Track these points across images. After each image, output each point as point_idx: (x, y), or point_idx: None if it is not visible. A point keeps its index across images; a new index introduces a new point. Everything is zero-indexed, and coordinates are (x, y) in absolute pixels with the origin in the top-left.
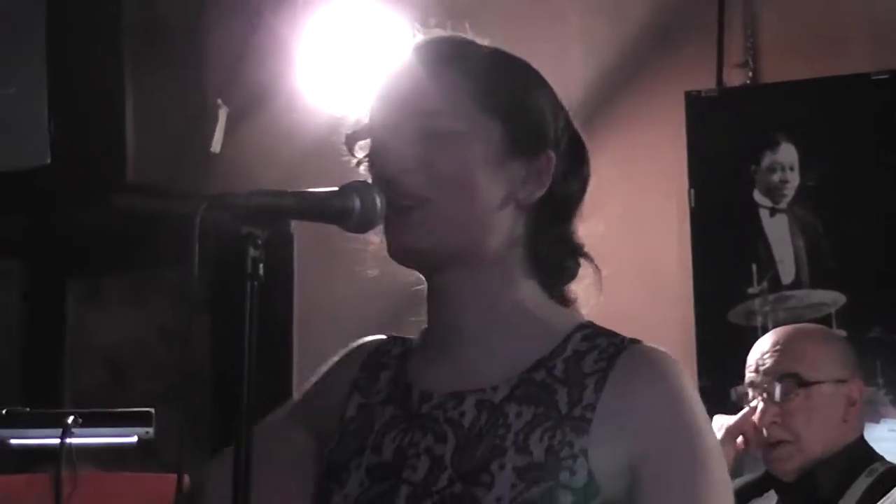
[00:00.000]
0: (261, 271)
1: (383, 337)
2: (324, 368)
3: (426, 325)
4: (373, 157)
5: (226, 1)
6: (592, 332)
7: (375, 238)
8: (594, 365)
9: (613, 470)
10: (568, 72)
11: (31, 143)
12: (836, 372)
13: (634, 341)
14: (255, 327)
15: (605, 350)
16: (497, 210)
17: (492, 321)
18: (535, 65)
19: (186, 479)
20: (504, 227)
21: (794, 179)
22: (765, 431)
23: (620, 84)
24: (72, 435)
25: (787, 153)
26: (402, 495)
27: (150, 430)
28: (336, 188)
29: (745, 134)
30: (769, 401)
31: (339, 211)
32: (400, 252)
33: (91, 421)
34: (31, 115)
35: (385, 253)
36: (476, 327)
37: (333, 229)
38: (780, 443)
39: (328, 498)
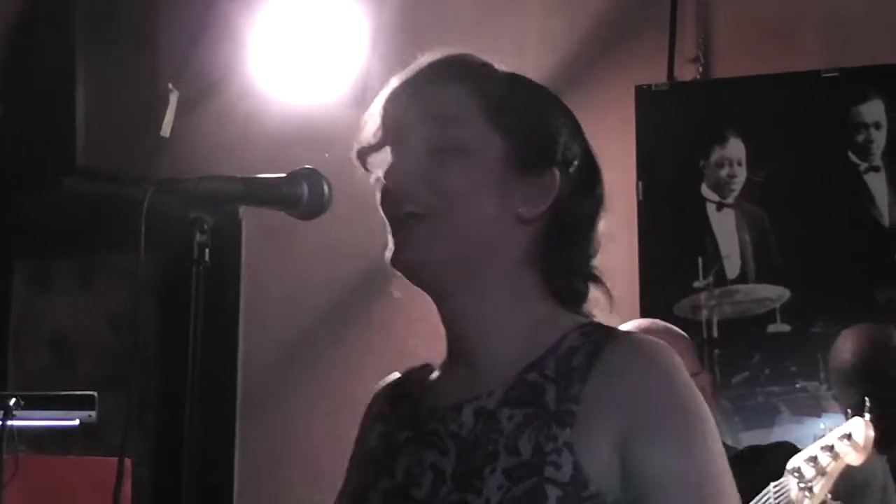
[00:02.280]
0: (207, 256)
1: (398, 374)
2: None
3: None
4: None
5: None
6: (590, 329)
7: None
8: (582, 358)
9: (602, 458)
10: (523, 64)
11: None
12: (689, 367)
13: (627, 333)
14: (202, 312)
15: (595, 342)
16: (500, 225)
17: (499, 333)
18: (492, 57)
19: (129, 463)
20: (508, 243)
21: (741, 175)
22: None
23: (573, 77)
24: (13, 418)
25: (735, 148)
26: None
27: (93, 413)
28: (284, 175)
29: (694, 128)
30: None
31: (287, 197)
32: (404, 265)
33: (33, 404)
34: None
35: (329, 240)
36: (483, 341)
37: (282, 216)
38: None
39: None
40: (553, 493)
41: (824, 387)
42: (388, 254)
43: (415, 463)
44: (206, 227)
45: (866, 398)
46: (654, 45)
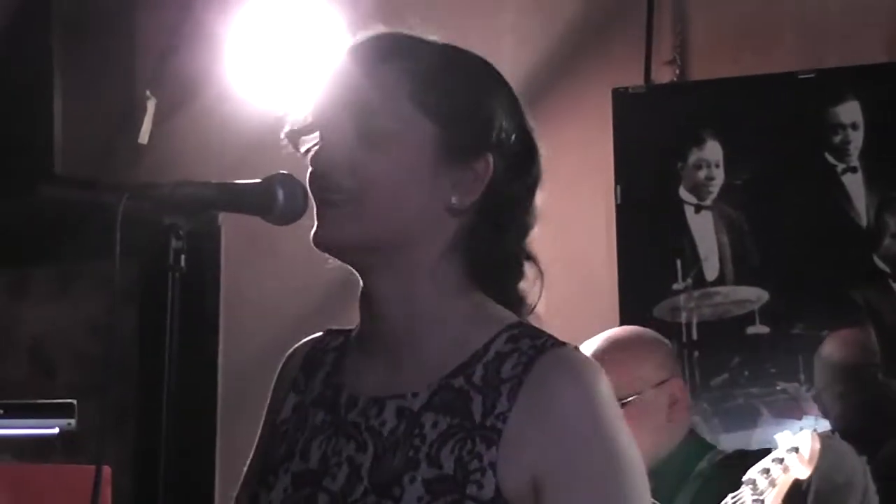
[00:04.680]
0: (183, 262)
1: (319, 334)
2: (272, 387)
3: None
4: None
5: None
6: (518, 333)
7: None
8: (511, 370)
9: (521, 484)
10: (498, 67)
11: None
12: (654, 376)
13: (558, 344)
14: (178, 319)
15: (525, 353)
16: (426, 214)
17: (423, 326)
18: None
19: (108, 471)
20: (435, 231)
21: (719, 177)
22: None
23: (549, 79)
24: None
25: (712, 150)
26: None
27: (73, 421)
28: (259, 180)
29: (671, 131)
30: None
31: (262, 202)
32: (324, 243)
33: (12, 412)
34: None
35: (308, 246)
36: (406, 331)
37: (261, 222)
38: None
39: (256, 501)
40: None
41: (804, 388)
42: (312, 235)
43: (331, 451)
44: (181, 233)
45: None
46: (631, 48)
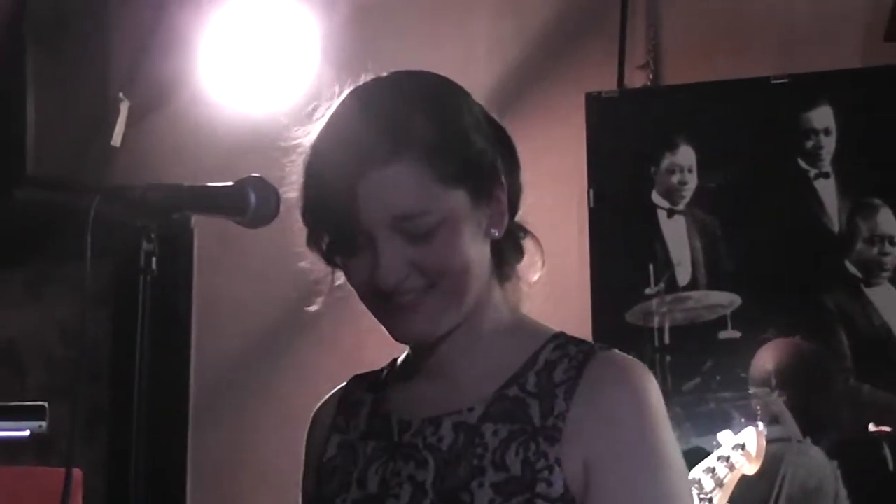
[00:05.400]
0: (154, 265)
1: (344, 384)
2: (304, 454)
3: (403, 356)
4: (364, 272)
5: None
6: (563, 342)
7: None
8: (564, 374)
9: (580, 477)
10: (472, 71)
11: None
12: None
13: (605, 348)
14: (149, 321)
15: (575, 358)
16: (480, 259)
17: (467, 349)
18: (439, 63)
19: (79, 474)
20: (485, 268)
21: (692, 181)
22: None
23: (523, 84)
24: None
25: (685, 155)
26: None
27: (44, 423)
28: (231, 183)
29: (644, 135)
30: None
31: (234, 206)
32: (410, 340)
33: None
34: None
35: (281, 249)
36: (453, 355)
37: (234, 225)
38: None
39: None
40: None
41: (775, 393)
42: (391, 328)
43: (390, 474)
44: (153, 235)
45: (757, 406)
46: (604, 53)
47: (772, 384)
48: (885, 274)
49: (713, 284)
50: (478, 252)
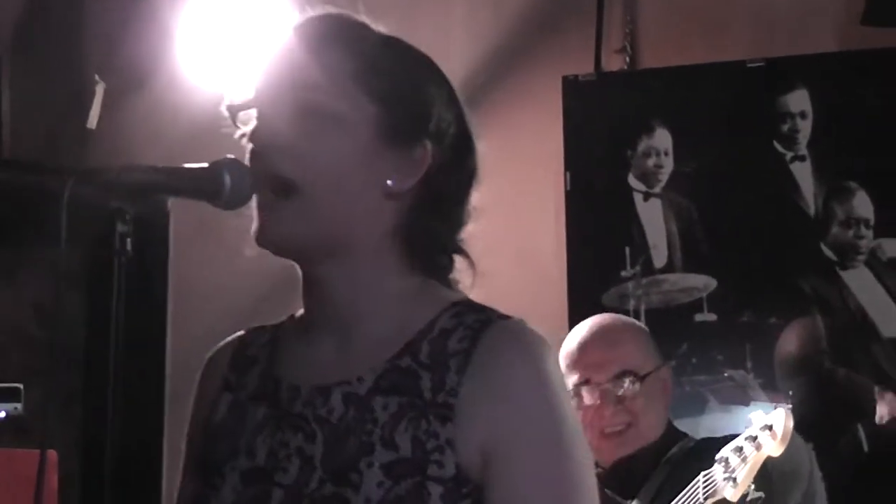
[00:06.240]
0: (129, 247)
1: (240, 333)
2: (192, 399)
3: (300, 312)
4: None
5: None
6: (463, 310)
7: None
8: (458, 344)
9: (475, 459)
10: (450, 55)
11: None
12: (656, 360)
13: (504, 317)
14: (124, 303)
15: (471, 327)
16: (368, 199)
17: (368, 305)
18: (417, 47)
19: (54, 455)
20: (375, 216)
21: (668, 164)
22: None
23: (500, 67)
24: None
25: (661, 138)
26: (275, 499)
27: (19, 405)
28: (206, 165)
29: (621, 119)
30: (609, 398)
31: (209, 187)
32: (268, 242)
33: None
34: None
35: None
36: (352, 313)
37: (210, 208)
38: (621, 430)
39: (204, 503)
40: (436, 490)
41: (751, 376)
42: (254, 231)
43: (278, 445)
44: (127, 217)
45: (790, 391)
46: (581, 36)
47: (747, 367)
48: (861, 257)
49: (689, 267)
50: (360, 183)
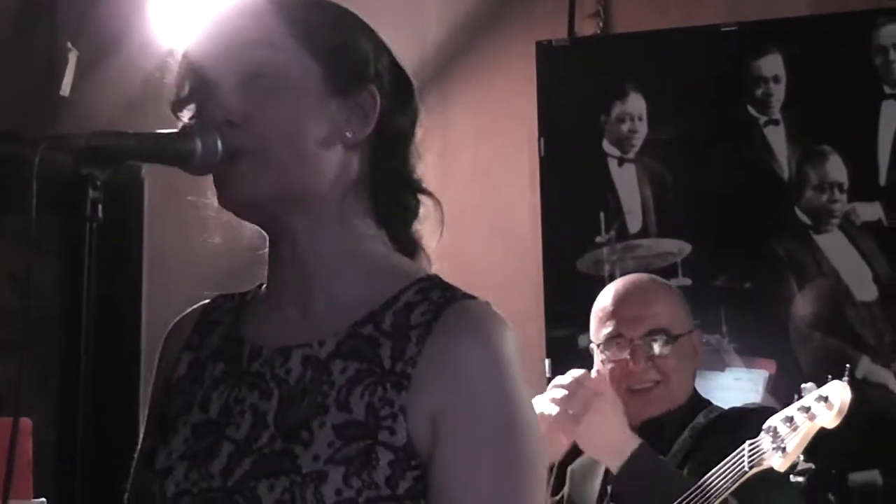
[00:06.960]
0: (100, 213)
1: (206, 301)
2: (156, 362)
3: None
4: (198, 107)
5: None
6: (430, 286)
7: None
8: (420, 317)
9: (425, 430)
10: (423, 23)
11: None
12: (689, 323)
13: (468, 297)
14: (95, 269)
15: (435, 302)
16: (324, 151)
17: (328, 270)
18: (390, 14)
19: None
20: (333, 168)
21: (642, 130)
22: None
23: (474, 33)
24: None
25: (635, 104)
26: (223, 452)
27: None
28: (177, 129)
29: (595, 84)
30: (640, 355)
31: (180, 152)
32: (230, 204)
33: None
34: None
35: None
36: (316, 273)
37: (185, 175)
38: (650, 388)
39: (153, 455)
40: (385, 456)
41: (726, 340)
42: (217, 195)
43: (233, 401)
44: (98, 183)
45: (847, 365)
46: (555, 1)
47: (722, 331)
48: (835, 221)
49: (664, 232)
50: (318, 138)
